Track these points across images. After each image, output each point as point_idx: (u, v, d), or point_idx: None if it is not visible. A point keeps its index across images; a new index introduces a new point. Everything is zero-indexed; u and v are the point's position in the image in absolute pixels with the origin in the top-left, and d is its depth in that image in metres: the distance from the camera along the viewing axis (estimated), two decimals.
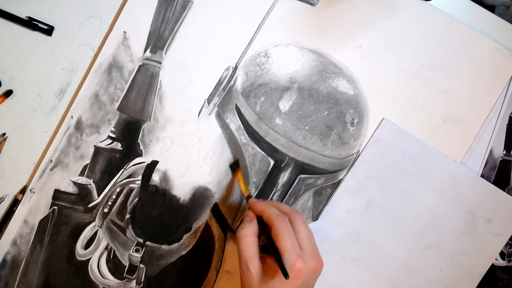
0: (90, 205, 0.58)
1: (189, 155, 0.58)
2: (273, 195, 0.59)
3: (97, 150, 0.58)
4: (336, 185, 0.59)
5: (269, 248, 0.48)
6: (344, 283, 0.60)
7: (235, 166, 0.58)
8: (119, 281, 0.59)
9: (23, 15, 0.57)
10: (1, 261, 0.58)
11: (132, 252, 0.59)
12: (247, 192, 0.55)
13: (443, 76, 0.59)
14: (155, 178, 0.58)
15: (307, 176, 0.59)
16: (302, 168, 0.59)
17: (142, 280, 0.59)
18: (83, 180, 0.58)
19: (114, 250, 0.59)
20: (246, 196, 0.54)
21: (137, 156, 0.58)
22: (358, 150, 0.59)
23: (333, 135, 0.58)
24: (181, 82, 0.58)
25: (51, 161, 0.58)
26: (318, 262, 0.48)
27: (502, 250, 0.61)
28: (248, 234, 0.49)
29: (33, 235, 0.58)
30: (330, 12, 0.58)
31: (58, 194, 0.58)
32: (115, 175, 0.58)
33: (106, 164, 0.58)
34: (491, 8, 0.63)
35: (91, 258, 0.59)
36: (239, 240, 0.49)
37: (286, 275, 0.44)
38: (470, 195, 0.59)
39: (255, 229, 0.49)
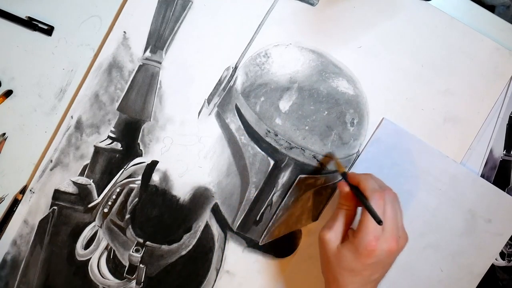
0: (90, 205, 0.58)
1: (189, 155, 0.58)
2: (273, 195, 0.59)
3: (97, 150, 0.58)
4: (336, 185, 0.59)
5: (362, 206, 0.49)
6: None
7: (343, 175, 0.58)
8: (119, 281, 0.59)
9: (23, 15, 0.57)
10: (1, 261, 0.58)
11: (132, 252, 0.59)
12: (343, 169, 0.55)
13: (443, 76, 0.59)
14: (155, 178, 0.58)
15: (307, 176, 0.59)
16: (302, 168, 0.59)
17: (142, 280, 0.59)
18: (83, 180, 0.58)
19: (114, 250, 0.59)
20: (341, 172, 0.55)
21: (137, 156, 0.58)
22: (358, 150, 0.59)
23: (333, 135, 0.58)
24: (181, 82, 0.58)
25: (51, 161, 0.58)
26: (397, 243, 0.48)
27: (502, 250, 0.61)
28: (342, 202, 0.51)
29: (33, 235, 0.58)
30: (330, 12, 0.58)
31: (58, 194, 0.58)
32: (115, 175, 0.58)
33: (106, 164, 0.58)
34: (491, 8, 0.63)
35: (91, 258, 0.59)
36: (334, 210, 0.51)
37: (379, 221, 0.46)
38: (470, 195, 0.59)
39: (349, 201, 0.51)
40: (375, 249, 0.47)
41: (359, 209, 0.51)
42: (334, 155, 0.58)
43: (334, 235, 0.50)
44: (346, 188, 0.51)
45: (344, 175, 0.53)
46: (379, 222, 0.45)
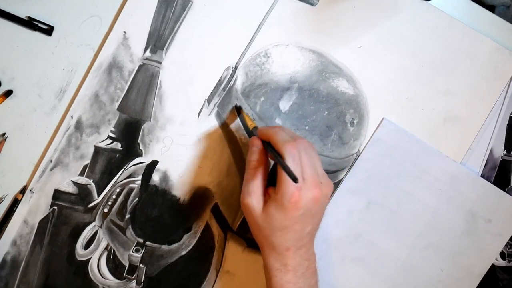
0: (90, 205, 0.58)
1: (189, 155, 0.58)
2: None
3: (97, 150, 0.58)
4: (336, 185, 0.59)
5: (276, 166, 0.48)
6: (344, 283, 0.60)
7: (238, 108, 0.57)
8: (119, 281, 0.59)
9: (23, 15, 0.57)
10: (1, 261, 0.58)
11: (132, 252, 0.59)
12: (253, 124, 0.54)
13: (443, 76, 0.59)
14: (155, 178, 0.58)
15: None
16: None
17: (142, 280, 0.59)
18: (83, 180, 0.58)
19: (114, 250, 0.59)
20: (252, 128, 0.53)
21: (137, 156, 0.58)
22: (358, 150, 0.59)
23: (333, 135, 0.58)
24: (181, 82, 0.58)
25: (51, 161, 0.58)
26: (320, 189, 0.47)
27: (502, 250, 0.61)
28: (253, 160, 0.50)
29: (33, 235, 0.58)
30: (330, 12, 0.58)
31: (58, 194, 0.58)
32: (115, 175, 0.58)
33: (106, 164, 0.58)
34: (491, 8, 0.63)
35: (91, 258, 0.59)
36: (246, 170, 0.49)
37: (295, 179, 0.43)
38: (470, 195, 0.59)
39: (260, 157, 0.50)
40: (300, 200, 0.46)
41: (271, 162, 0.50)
42: (241, 109, 0.56)
43: (256, 199, 0.48)
44: (258, 143, 0.50)
45: (255, 130, 0.52)
46: (295, 180, 0.43)
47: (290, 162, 0.46)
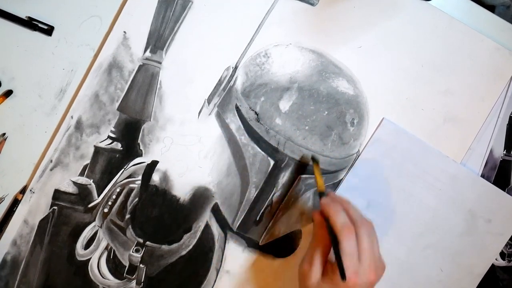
0: (90, 205, 0.58)
1: (189, 155, 0.58)
2: (273, 195, 0.59)
3: (97, 150, 0.58)
4: (336, 185, 0.59)
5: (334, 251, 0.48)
6: None
7: (315, 161, 0.57)
8: (119, 281, 0.59)
9: (23, 15, 0.57)
10: (1, 261, 0.58)
11: (132, 252, 0.59)
12: (321, 188, 0.54)
13: (443, 76, 0.59)
14: (155, 178, 0.58)
15: (307, 176, 0.59)
16: (302, 168, 0.58)
17: (142, 280, 0.59)
18: (83, 180, 0.58)
19: (114, 250, 0.59)
20: (318, 191, 0.54)
21: (137, 156, 0.58)
22: (358, 150, 0.59)
23: (333, 135, 0.58)
24: (181, 82, 0.58)
25: (51, 161, 0.58)
26: (375, 273, 0.48)
27: (502, 250, 0.61)
28: (317, 234, 0.50)
29: (33, 235, 0.58)
30: (330, 12, 0.58)
31: (58, 194, 0.58)
32: (115, 175, 0.58)
33: (106, 164, 0.58)
34: (491, 8, 0.63)
35: (91, 258, 0.59)
36: (312, 239, 0.50)
37: (343, 277, 0.46)
38: (470, 195, 0.59)
39: (323, 233, 0.50)
40: (356, 285, 0.47)
41: None
42: (318, 169, 0.56)
43: (314, 270, 0.49)
44: (319, 220, 0.51)
45: (322, 195, 0.53)
46: (343, 277, 0.46)
47: (346, 248, 0.47)
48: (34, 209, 0.58)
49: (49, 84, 0.58)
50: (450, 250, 0.60)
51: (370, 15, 0.58)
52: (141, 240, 0.59)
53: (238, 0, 0.57)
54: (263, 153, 0.58)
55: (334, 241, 0.48)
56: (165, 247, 0.59)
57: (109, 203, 0.58)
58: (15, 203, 0.58)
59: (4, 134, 0.58)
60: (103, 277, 0.59)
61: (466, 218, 0.60)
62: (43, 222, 0.58)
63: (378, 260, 0.49)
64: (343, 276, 0.46)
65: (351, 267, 0.46)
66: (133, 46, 0.57)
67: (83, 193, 0.58)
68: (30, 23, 0.56)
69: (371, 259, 0.48)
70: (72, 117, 0.58)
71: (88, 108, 0.58)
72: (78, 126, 0.58)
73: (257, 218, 0.59)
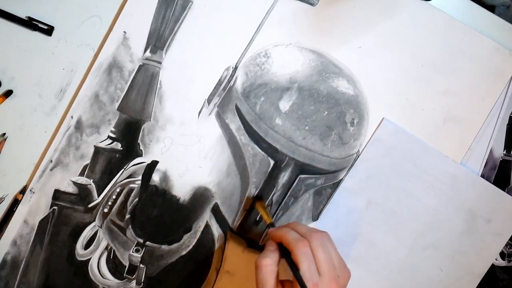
0: (90, 205, 0.58)
1: (189, 155, 0.58)
2: (273, 195, 0.59)
3: (97, 150, 0.58)
4: (336, 185, 0.59)
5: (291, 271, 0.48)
6: None
7: (258, 198, 0.58)
8: (119, 281, 0.59)
9: (23, 15, 0.57)
10: (1, 261, 0.58)
11: (132, 252, 0.59)
12: (269, 220, 0.54)
13: (443, 76, 0.59)
14: (155, 178, 0.58)
15: (307, 176, 0.59)
16: (302, 168, 0.59)
17: (142, 280, 0.59)
18: (83, 180, 0.58)
19: (114, 250, 0.59)
20: (267, 224, 0.54)
21: (137, 156, 0.58)
22: (358, 150, 0.59)
23: (333, 135, 0.58)
24: (181, 82, 0.58)
25: (51, 161, 0.58)
26: (336, 283, 0.47)
27: (502, 250, 0.61)
28: (268, 263, 0.48)
29: (33, 235, 0.58)
30: (330, 12, 0.58)
31: (58, 194, 0.58)
32: (115, 175, 0.58)
33: (106, 164, 0.58)
34: (491, 8, 0.63)
35: (91, 258, 0.59)
36: (258, 269, 0.48)
37: None
38: (470, 195, 0.59)
39: (275, 258, 0.49)
40: None
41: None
42: (261, 205, 0.57)
43: None
44: (272, 245, 0.50)
45: (269, 227, 0.53)
46: None
47: (303, 261, 0.46)
48: (34, 209, 0.58)
49: (49, 84, 0.58)
50: (450, 250, 0.60)
51: (370, 15, 0.58)
52: (141, 240, 0.59)
53: (238, 0, 0.57)
54: (263, 153, 0.58)
55: (290, 261, 0.47)
56: (165, 247, 0.59)
57: (109, 203, 0.58)
58: (15, 203, 0.58)
59: (4, 134, 0.58)
60: (103, 277, 0.59)
61: (466, 218, 0.60)
62: (43, 222, 0.58)
63: (339, 268, 0.48)
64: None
65: (311, 280, 0.46)
66: (133, 46, 0.57)
67: (83, 193, 0.58)
68: (30, 23, 0.56)
69: (330, 269, 0.47)
70: (72, 117, 0.58)
71: (88, 108, 0.58)
72: (78, 126, 0.58)
73: (257, 218, 0.59)
